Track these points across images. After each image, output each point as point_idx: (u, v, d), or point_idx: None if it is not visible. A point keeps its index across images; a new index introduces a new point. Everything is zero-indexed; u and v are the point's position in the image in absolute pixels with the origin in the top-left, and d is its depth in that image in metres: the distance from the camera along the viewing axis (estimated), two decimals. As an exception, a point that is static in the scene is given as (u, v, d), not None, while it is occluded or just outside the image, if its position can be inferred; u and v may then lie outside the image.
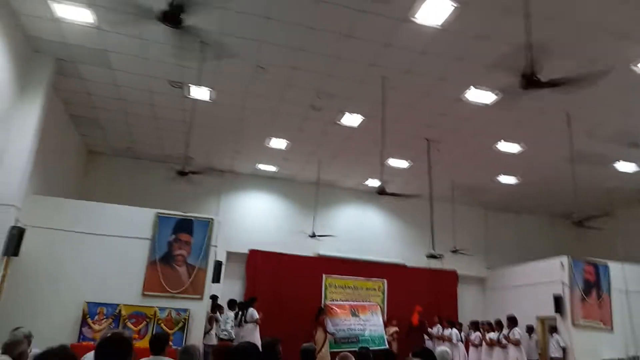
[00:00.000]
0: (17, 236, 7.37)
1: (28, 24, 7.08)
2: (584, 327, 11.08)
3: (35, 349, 4.89)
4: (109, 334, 2.85)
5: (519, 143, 10.24)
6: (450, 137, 10.10)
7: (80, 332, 8.44)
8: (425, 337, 12.77)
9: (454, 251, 12.58)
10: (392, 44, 7.04)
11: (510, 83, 6.70)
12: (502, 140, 10.18)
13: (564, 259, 11.60)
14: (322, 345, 11.74)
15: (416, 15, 6.43)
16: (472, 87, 8.12)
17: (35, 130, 7.72)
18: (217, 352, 3.94)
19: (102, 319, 8.60)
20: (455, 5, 6.18)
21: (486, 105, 8.58)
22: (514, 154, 10.74)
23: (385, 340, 12.31)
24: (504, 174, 12.21)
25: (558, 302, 11.29)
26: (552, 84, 4.93)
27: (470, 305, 14.35)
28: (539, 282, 12.21)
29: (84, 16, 6.75)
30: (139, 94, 9.01)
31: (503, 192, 13.58)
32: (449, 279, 14.23)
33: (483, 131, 9.76)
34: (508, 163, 11.35)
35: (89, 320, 8.52)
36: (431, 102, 8.68)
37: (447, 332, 12.37)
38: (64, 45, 7.51)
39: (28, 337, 5.49)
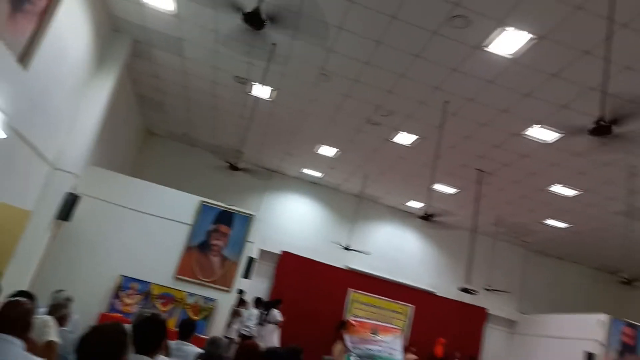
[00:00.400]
0: (71, 202, 7.70)
1: (113, 4, 7.44)
2: (615, 391, 10.48)
3: (75, 315, 5.09)
4: (147, 314, 2.93)
5: (575, 189, 9.86)
6: (504, 171, 9.84)
7: (111, 304, 8.71)
8: None
9: (488, 289, 12.22)
10: (460, 69, 6.96)
11: (578, 126, 6.50)
12: (557, 184, 9.83)
13: (604, 317, 11.03)
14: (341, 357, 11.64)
15: (491, 45, 6.33)
16: (534, 125, 7.90)
17: (105, 105, 8.08)
18: (244, 348, 3.94)
19: (134, 294, 8.83)
20: (533, 37, 6.03)
21: (547, 143, 8.31)
22: (567, 198, 10.35)
23: (400, 365, 12.07)
24: (552, 218, 11.78)
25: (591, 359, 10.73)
26: (621, 136, 4.72)
27: (495, 346, 13.85)
28: (572, 336, 11.64)
29: (167, 4, 7.04)
30: (203, 84, 9.29)
31: (548, 236, 13.10)
32: (478, 316, 13.81)
33: (539, 171, 9.46)
34: (559, 207, 10.94)
35: (121, 293, 8.77)
36: (490, 133, 8.50)
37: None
38: (143, 28, 7.85)
39: (69, 300, 5.74)
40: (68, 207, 7.69)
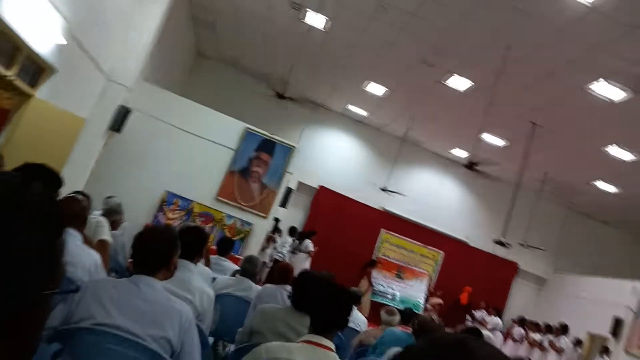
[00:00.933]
0: (123, 114, 7.96)
1: None
2: (637, 358, 10.43)
3: (125, 221, 5.38)
4: (191, 224, 3.12)
5: (633, 152, 9.31)
6: (560, 127, 9.36)
7: (155, 217, 9.20)
8: (468, 318, 12.65)
9: (522, 244, 12.06)
10: (529, 12, 6.46)
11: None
12: (615, 145, 9.29)
13: (638, 284, 10.77)
14: (364, 294, 12.05)
15: (567, -14, 5.81)
16: (601, 79, 7.36)
17: (159, 22, 8.07)
18: (280, 268, 4.16)
19: (176, 210, 9.28)
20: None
21: (611, 102, 7.78)
22: (623, 162, 9.81)
23: (420, 308, 12.38)
24: (603, 180, 11.27)
25: (618, 325, 10.64)
26: None
27: (521, 301, 13.90)
28: (602, 299, 11.49)
29: None
30: (258, 8, 9.07)
31: (596, 199, 12.60)
32: (508, 270, 13.78)
33: (597, 130, 8.95)
34: (613, 170, 10.41)
35: (165, 208, 9.23)
36: (551, 84, 8.01)
37: (488, 318, 12.16)
38: (201, -58, 7.64)
39: (121, 206, 6.07)
40: (120, 119, 7.96)
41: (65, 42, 5.84)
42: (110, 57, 7.52)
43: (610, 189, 11.53)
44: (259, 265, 4.45)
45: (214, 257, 5.51)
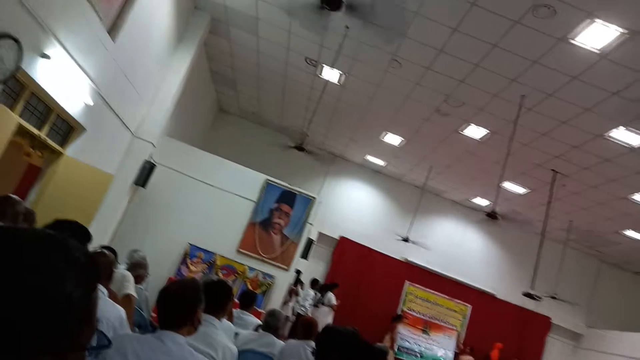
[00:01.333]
0: (148, 170, 8.24)
1: (196, -18, 7.78)
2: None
3: (149, 276, 5.44)
4: (215, 278, 3.15)
5: (661, 199, 9.08)
6: (581, 175, 9.24)
7: (179, 269, 9.25)
8: None
9: (554, 297, 11.60)
10: (541, 62, 6.58)
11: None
12: (641, 192, 9.10)
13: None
14: (391, 348, 11.65)
15: (577, 37, 5.93)
16: (621, 126, 7.33)
17: (182, 79, 8.50)
18: (304, 323, 4.09)
19: (199, 263, 9.32)
20: (624, 31, 5.57)
21: (632, 148, 7.69)
22: (651, 210, 9.56)
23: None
24: (633, 229, 10.91)
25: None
26: None
27: (556, 358, 13.17)
28: (638, 356, 10.83)
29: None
30: (275, 64, 9.48)
31: (626, 248, 12.16)
32: (540, 325, 13.16)
33: (621, 177, 8.78)
34: (641, 218, 10.13)
35: (188, 260, 9.29)
36: (569, 132, 7.99)
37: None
38: (221, 6, 8.12)
39: (146, 260, 6.15)
40: (145, 174, 8.24)
41: (92, 103, 6.18)
42: (136, 115, 7.90)
43: (640, 236, 11.16)
44: (282, 320, 4.37)
45: (236, 311, 5.45)
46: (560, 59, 6.38)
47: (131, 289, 3.94)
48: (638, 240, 11.34)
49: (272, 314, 4.18)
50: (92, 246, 4.57)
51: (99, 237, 7.27)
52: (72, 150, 6.42)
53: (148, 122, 8.17)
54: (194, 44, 8.57)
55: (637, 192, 9.12)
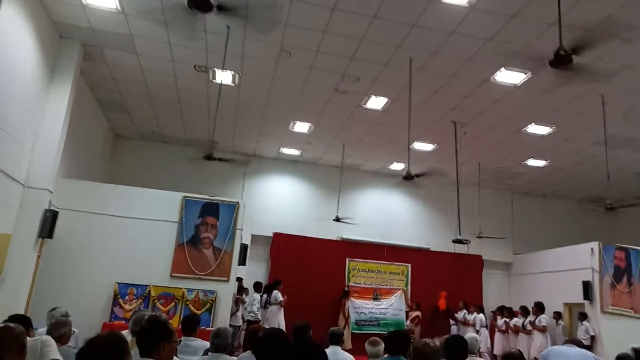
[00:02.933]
0: (51, 219, 7.58)
1: (54, 10, 7.15)
2: (614, 315, 10.86)
3: (74, 330, 5.04)
4: (146, 316, 2.92)
5: (549, 126, 9.96)
6: (478, 120, 9.88)
7: (112, 312, 8.71)
8: (452, 322, 12.73)
9: (480, 236, 12.44)
10: (419, 24, 6.86)
11: (541, 62, 6.52)
12: (533, 124, 9.91)
13: (595, 245, 11.33)
14: (344, 329, 11.86)
15: (445, -5, 6.24)
16: (502, 68, 7.88)
17: (65, 115, 7.85)
18: (251, 334, 4.03)
19: (133, 299, 8.84)
20: (486, -17, 5.96)
21: (515, 86, 8.33)
22: (543, 137, 10.46)
23: (404, 325, 12.34)
24: (532, 158, 11.93)
25: (587, 288, 11.08)
26: (583, 66, 4.73)
27: (495, 290, 14.21)
28: (567, 268, 11.98)
29: (109, 2, 6.77)
30: (163, 79, 9.06)
31: (531, 176, 13.31)
32: (474, 264, 14.09)
33: (512, 114, 9.51)
34: (537, 146, 11.07)
35: (120, 300, 8.78)
36: (459, 84, 8.48)
37: (470, 317, 12.30)
38: (90, 30, 7.57)
39: (66, 316, 5.68)
40: (49, 224, 7.58)
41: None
42: (21, 163, 7.21)
43: (540, 163, 12.21)
44: (229, 337, 4.25)
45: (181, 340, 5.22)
46: (434, 18, 6.69)
47: (54, 353, 3.64)
48: (539, 166, 12.43)
49: (217, 334, 4.04)
50: (5, 314, 4.16)
51: (12, 304, 6.63)
52: (-45, 221, 5.72)
53: (36, 168, 7.48)
54: (70, 76, 7.94)
55: (528, 124, 9.93)
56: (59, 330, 4.13)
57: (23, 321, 3.86)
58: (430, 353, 3.10)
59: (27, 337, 3.77)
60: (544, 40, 6.80)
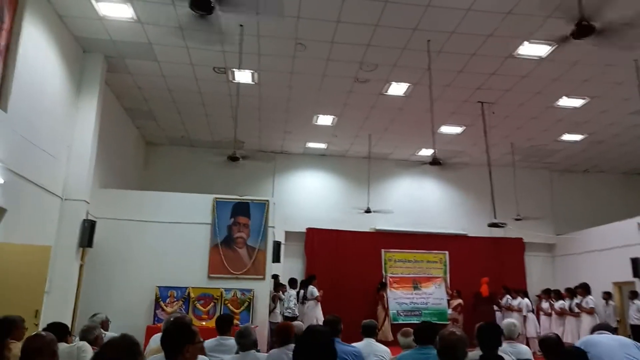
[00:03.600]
0: (89, 228, 7.87)
1: (74, 26, 7.40)
2: (666, 290, 10.29)
3: (110, 333, 5.24)
4: (171, 319, 2.98)
5: (582, 97, 9.51)
6: (506, 97, 9.55)
7: (155, 314, 8.96)
8: (496, 308, 12.38)
9: (518, 218, 12.06)
10: (433, 4, 6.68)
11: (565, 33, 6.21)
12: (565, 97, 9.49)
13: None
14: (384, 321, 11.78)
15: (457, -29, 6.05)
16: (525, 42, 7.58)
17: (95, 126, 8.12)
18: (279, 330, 4.06)
19: (173, 301, 9.07)
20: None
21: (541, 58, 7.99)
22: (577, 110, 10.00)
23: (447, 313, 12.11)
24: (568, 133, 11.43)
25: (636, 265, 10.54)
26: (606, 30, 4.46)
27: (539, 273, 13.75)
28: (614, 246, 11.44)
29: (124, 11, 6.94)
30: (185, 83, 9.22)
31: (569, 152, 12.77)
32: (515, 247, 13.67)
33: (542, 88, 9.14)
34: (572, 120, 10.60)
35: (162, 303, 9.02)
36: (482, 62, 8.21)
37: (515, 302, 11.94)
38: (110, 42, 7.79)
39: (106, 322, 5.89)
40: (87, 234, 7.86)
41: (3, 181, 5.78)
42: (57, 177, 7.49)
43: (577, 137, 11.69)
44: (253, 334, 4.29)
45: (214, 340, 5.31)
46: (449, -5, 6.50)
47: (89, 357, 3.76)
48: (576, 141, 11.89)
49: (241, 334, 4.09)
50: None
51: (59, 313, 6.91)
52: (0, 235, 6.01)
53: (72, 180, 7.77)
54: (96, 88, 8.20)
55: (560, 97, 9.52)
56: (92, 333, 4.29)
57: (60, 329, 4.05)
58: (456, 341, 3.01)
59: (64, 344, 3.96)
60: (565, 9, 6.47)
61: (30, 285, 6.20)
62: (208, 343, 5.02)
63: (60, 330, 4.03)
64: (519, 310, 11.64)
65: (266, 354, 4.10)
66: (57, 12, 7.03)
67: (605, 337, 3.98)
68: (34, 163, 6.69)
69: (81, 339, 4.32)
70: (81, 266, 8.35)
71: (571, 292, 10.84)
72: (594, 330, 4.32)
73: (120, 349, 2.17)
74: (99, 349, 2.21)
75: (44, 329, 3.90)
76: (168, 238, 9.22)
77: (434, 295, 12.85)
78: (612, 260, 11.40)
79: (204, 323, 8.72)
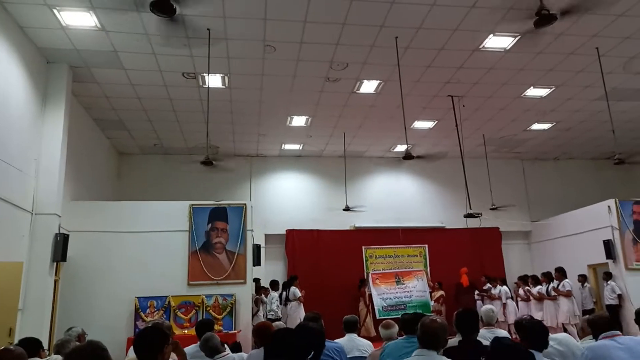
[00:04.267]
0: (62, 242, 7.70)
1: (37, 37, 7.23)
2: (638, 270, 10.63)
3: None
4: (149, 325, 2.97)
5: (548, 86, 9.74)
6: (475, 90, 9.72)
7: (135, 326, 8.82)
8: (476, 297, 12.60)
9: (493, 208, 12.28)
10: (398, 0, 6.76)
11: (527, 23, 6.37)
12: (532, 87, 9.70)
13: (611, 202, 11.10)
14: (365, 317, 11.85)
15: (419, -33, 6.13)
16: (491, 35, 7.73)
17: (63, 138, 7.94)
18: (258, 330, 4.08)
19: (154, 312, 8.95)
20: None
21: (505, 50, 8.16)
22: (544, 99, 10.25)
23: (430, 306, 12.25)
24: (537, 122, 11.70)
25: (608, 247, 10.86)
26: (562, 13, 4.59)
27: (516, 260, 14.03)
28: (586, 229, 11.76)
29: (86, 20, 6.81)
30: (155, 90, 9.11)
31: (538, 141, 13.07)
32: (492, 237, 13.92)
33: (509, 80, 9.33)
34: (540, 109, 10.85)
35: (142, 314, 8.88)
36: (449, 56, 8.34)
37: (495, 290, 12.17)
38: (74, 51, 7.64)
39: (82, 335, 5.78)
40: (61, 248, 7.69)
41: (-33, 197, 5.63)
42: (26, 192, 7.31)
43: (545, 126, 11.97)
44: (214, 339, 4.36)
45: (194, 346, 5.27)
46: (412, -8, 6.58)
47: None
48: (544, 129, 12.18)
49: (205, 341, 4.21)
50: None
51: (35, 330, 6.73)
52: (-33, 254, 5.84)
53: (42, 194, 7.59)
54: (62, 99, 8.03)
55: (527, 87, 9.74)
56: (67, 347, 4.23)
57: (32, 344, 3.97)
58: (438, 328, 3.07)
59: (37, 359, 3.88)
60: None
61: (2, 302, 6.06)
62: (189, 349, 4.99)
63: (32, 345, 3.95)
64: (499, 298, 11.87)
65: (245, 354, 4.11)
66: (18, 23, 6.86)
67: (621, 340, 3.28)
68: (1, 178, 6.51)
69: (55, 353, 4.24)
70: (56, 281, 8.17)
71: (548, 277, 11.08)
72: (595, 331, 3.51)
73: (86, 354, 2.15)
74: (64, 356, 2.16)
75: (15, 344, 3.81)
76: (145, 248, 9.10)
77: (417, 288, 12.96)
78: (586, 244, 11.71)
79: (185, 331, 8.63)
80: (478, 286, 12.65)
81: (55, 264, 7.74)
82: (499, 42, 7.94)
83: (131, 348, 4.90)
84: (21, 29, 6.98)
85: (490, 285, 12.42)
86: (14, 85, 6.95)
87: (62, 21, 6.80)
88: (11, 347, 2.94)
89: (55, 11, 6.57)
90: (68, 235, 7.96)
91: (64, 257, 7.79)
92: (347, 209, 12.02)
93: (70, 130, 8.24)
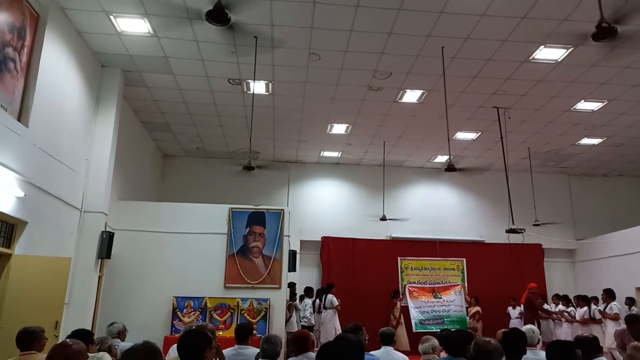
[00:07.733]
0: (107, 240, 7.95)
1: (93, 42, 7.55)
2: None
3: (125, 343, 5.29)
4: (193, 326, 3.01)
5: (600, 100, 9.37)
6: (522, 102, 9.46)
7: (172, 325, 8.99)
8: (543, 315, 11.33)
9: (536, 224, 11.86)
10: (446, 10, 6.67)
11: (583, 35, 6.14)
12: (582, 100, 9.36)
13: (663, 223, 10.54)
14: (396, 328, 11.59)
15: (470, -23, 6.03)
16: (541, 46, 7.51)
17: (113, 140, 8.24)
18: (296, 338, 4.04)
19: (191, 312, 9.10)
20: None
21: (557, 62, 7.91)
22: (595, 113, 9.85)
23: (467, 322, 11.90)
24: (586, 137, 11.26)
25: (660, 269, 10.30)
26: (630, 34, 4.40)
27: (559, 279, 13.50)
28: (635, 250, 11.20)
29: (141, 26, 7.06)
30: (201, 95, 9.33)
31: (587, 156, 12.57)
32: (534, 253, 13.44)
33: (558, 92, 9.03)
34: (590, 124, 10.45)
35: (179, 314, 9.05)
36: (496, 67, 8.16)
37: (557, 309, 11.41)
38: (127, 57, 7.92)
39: (123, 332, 5.94)
40: (106, 245, 7.94)
41: (24, 194, 5.89)
42: (76, 190, 7.60)
43: (595, 141, 11.50)
44: (279, 343, 4.28)
45: (232, 349, 5.30)
46: (462, 2, 6.48)
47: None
48: (594, 144, 11.71)
49: (268, 340, 4.07)
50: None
51: (78, 324, 6.92)
52: (21, 248, 6.10)
53: (91, 193, 7.88)
54: (114, 102, 8.33)
55: (577, 101, 9.40)
56: (105, 343, 4.34)
57: (84, 336, 4.04)
58: (493, 350, 2.94)
59: (87, 353, 3.98)
60: (582, 11, 6.42)
61: (50, 296, 6.27)
62: (227, 352, 5.01)
63: (83, 338, 4.04)
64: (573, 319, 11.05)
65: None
66: (77, 28, 7.18)
67: None
68: (53, 176, 6.80)
69: (98, 350, 4.36)
70: (100, 277, 8.44)
71: (586, 301, 10.51)
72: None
73: (141, 355, 2.18)
74: (120, 355, 2.20)
75: (69, 336, 3.89)
76: (184, 248, 9.27)
77: (455, 303, 12.61)
78: (635, 265, 11.15)
79: (221, 333, 8.71)
80: (535, 305, 11.71)
81: (100, 260, 7.99)
82: (550, 53, 7.70)
83: (172, 347, 5.00)
84: (79, 34, 7.31)
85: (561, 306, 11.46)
86: (70, 87, 7.27)
87: (117, 27, 7.07)
88: (69, 341, 2.93)
89: (112, 17, 6.84)
90: (113, 234, 8.21)
91: (108, 255, 8.04)
92: (384, 218, 11.89)
93: (119, 131, 8.53)
